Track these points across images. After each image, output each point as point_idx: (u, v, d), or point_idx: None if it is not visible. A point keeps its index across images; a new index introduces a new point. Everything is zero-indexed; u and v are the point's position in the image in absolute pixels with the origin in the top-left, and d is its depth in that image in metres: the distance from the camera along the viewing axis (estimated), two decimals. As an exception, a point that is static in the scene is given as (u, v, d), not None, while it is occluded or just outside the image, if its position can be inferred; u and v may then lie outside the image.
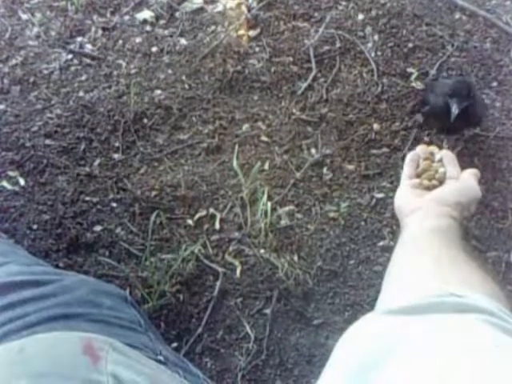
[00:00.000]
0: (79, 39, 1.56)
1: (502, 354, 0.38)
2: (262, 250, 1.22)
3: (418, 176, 0.75)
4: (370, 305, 1.17)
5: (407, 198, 0.70)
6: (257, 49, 1.54)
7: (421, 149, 0.77)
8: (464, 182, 0.71)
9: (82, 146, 1.37)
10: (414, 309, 0.45)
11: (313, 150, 1.38)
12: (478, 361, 0.37)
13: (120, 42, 1.56)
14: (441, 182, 0.73)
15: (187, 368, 0.83)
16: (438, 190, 0.71)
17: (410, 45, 1.55)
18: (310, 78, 1.49)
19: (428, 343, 0.40)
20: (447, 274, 0.55)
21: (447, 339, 0.40)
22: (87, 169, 1.33)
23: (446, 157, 0.76)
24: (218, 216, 1.27)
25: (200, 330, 1.13)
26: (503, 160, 1.36)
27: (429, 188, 0.72)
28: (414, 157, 0.76)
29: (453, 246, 0.60)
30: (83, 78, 1.49)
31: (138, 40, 1.56)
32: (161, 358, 0.76)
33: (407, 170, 0.75)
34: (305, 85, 1.48)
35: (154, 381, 0.64)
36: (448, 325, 0.43)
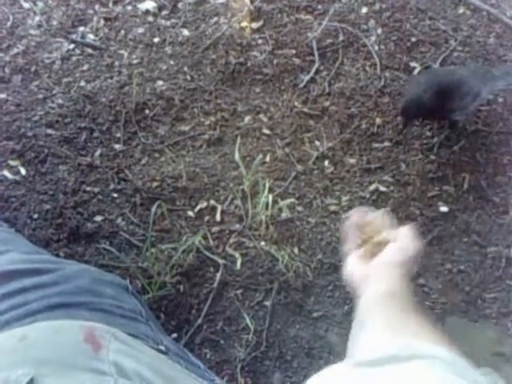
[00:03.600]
0: (81, 29, 1.55)
1: None
2: (263, 243, 1.22)
3: (361, 244, 0.74)
4: (370, 298, 1.17)
5: (357, 270, 0.71)
6: (259, 41, 1.54)
7: (357, 216, 0.76)
8: (405, 240, 0.72)
9: (84, 136, 1.36)
10: (376, 362, 0.50)
11: (314, 143, 1.38)
12: None
13: (122, 32, 1.55)
14: (384, 245, 0.73)
15: (188, 358, 0.83)
16: (382, 253, 0.71)
17: (414, 39, 1.54)
18: (313, 70, 1.48)
19: None
20: (400, 336, 0.58)
21: None
22: (88, 159, 1.33)
23: (382, 218, 0.76)
24: (219, 208, 1.27)
25: (200, 321, 1.13)
26: (505, 155, 1.36)
27: (374, 254, 0.72)
28: (352, 226, 0.75)
29: (405, 309, 0.63)
30: (85, 67, 1.48)
31: (140, 30, 1.56)
32: (162, 347, 0.76)
33: (350, 242, 0.75)
34: (307, 78, 1.47)
35: (155, 370, 0.64)
36: (404, 372, 0.47)
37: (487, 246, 1.24)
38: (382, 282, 0.66)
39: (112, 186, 1.29)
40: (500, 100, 1.45)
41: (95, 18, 1.57)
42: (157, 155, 1.35)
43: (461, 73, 1.33)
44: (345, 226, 0.75)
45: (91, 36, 1.54)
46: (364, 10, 1.60)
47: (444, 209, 1.29)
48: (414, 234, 0.73)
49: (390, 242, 0.72)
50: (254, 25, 1.57)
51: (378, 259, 0.70)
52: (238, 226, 1.25)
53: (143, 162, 1.34)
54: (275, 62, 1.50)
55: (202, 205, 1.28)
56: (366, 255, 0.72)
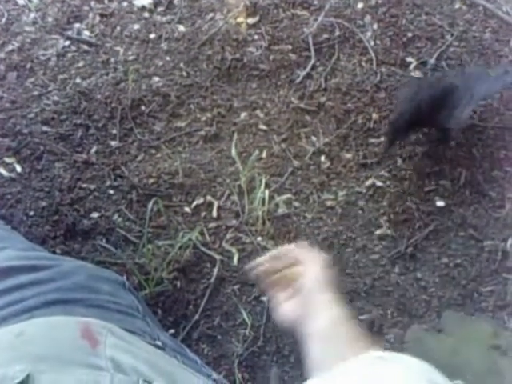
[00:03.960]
0: (77, 25, 1.55)
1: None
2: (260, 238, 1.23)
3: (281, 287, 0.74)
4: (367, 293, 1.17)
5: (290, 312, 0.72)
6: (255, 36, 1.54)
7: (264, 265, 0.76)
8: (309, 261, 0.73)
9: (79, 133, 1.36)
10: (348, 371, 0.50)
11: (311, 139, 1.38)
12: None
13: (118, 28, 1.55)
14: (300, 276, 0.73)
15: (185, 354, 0.83)
16: (301, 285, 0.71)
17: (410, 34, 1.54)
18: (309, 66, 1.48)
19: None
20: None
21: None
22: (84, 156, 1.33)
23: (286, 252, 0.76)
24: (216, 204, 1.27)
25: (197, 316, 1.14)
26: (501, 150, 1.37)
27: (297, 289, 0.73)
28: (265, 274, 0.75)
29: (352, 335, 0.64)
30: (80, 64, 1.48)
31: (136, 27, 1.55)
32: (159, 343, 0.76)
33: (270, 290, 0.75)
34: (303, 73, 1.47)
35: (152, 365, 0.64)
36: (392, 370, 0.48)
37: (483, 239, 1.24)
38: (317, 316, 0.67)
39: (108, 183, 1.29)
40: (496, 95, 1.46)
41: (91, 15, 1.57)
42: (153, 151, 1.35)
43: (449, 81, 1.31)
44: (257, 278, 0.75)
45: (87, 32, 1.54)
46: (360, 5, 1.60)
47: (440, 203, 1.29)
48: (311, 250, 0.74)
49: (301, 271, 0.72)
50: (250, 20, 1.56)
51: (301, 294, 0.70)
52: (234, 222, 1.25)
53: (139, 158, 1.34)
54: (271, 57, 1.50)
55: (199, 201, 1.28)
56: (290, 295, 0.72)
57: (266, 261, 0.76)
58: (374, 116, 1.40)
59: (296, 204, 1.28)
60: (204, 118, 1.40)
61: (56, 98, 1.41)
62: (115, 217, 1.25)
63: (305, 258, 0.74)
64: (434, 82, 1.33)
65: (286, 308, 0.72)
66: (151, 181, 1.30)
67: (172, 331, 1.12)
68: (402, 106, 1.29)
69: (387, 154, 1.33)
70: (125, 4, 1.60)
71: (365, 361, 0.52)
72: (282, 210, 1.26)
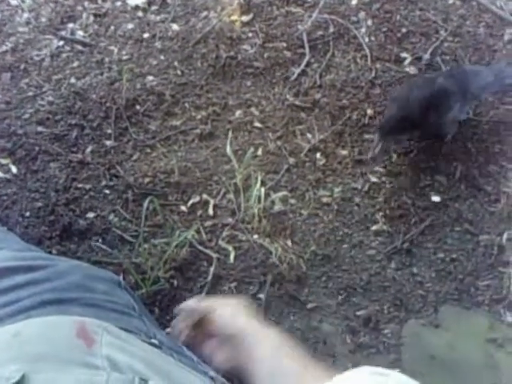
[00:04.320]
0: (70, 25, 1.54)
1: None
2: (256, 236, 1.23)
3: (207, 338, 0.73)
4: (363, 288, 1.18)
5: (226, 361, 0.71)
6: (250, 34, 1.54)
7: (184, 326, 0.76)
8: (218, 306, 0.74)
9: (74, 133, 1.36)
10: None
11: (306, 136, 1.38)
12: None
13: (112, 28, 1.54)
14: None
15: (182, 352, 0.83)
16: (223, 331, 0.71)
17: (404, 30, 1.54)
18: (304, 63, 1.48)
19: None
20: None
21: None
22: (79, 156, 1.33)
23: (192, 309, 0.76)
24: (212, 202, 1.27)
25: (194, 315, 1.13)
26: (496, 144, 1.37)
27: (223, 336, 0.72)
28: (192, 337, 0.75)
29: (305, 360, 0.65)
30: (75, 64, 1.47)
31: (130, 26, 1.55)
32: (155, 341, 0.76)
33: (200, 346, 0.74)
34: (298, 70, 1.47)
35: (148, 363, 0.64)
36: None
37: (479, 234, 1.25)
38: (256, 354, 0.66)
39: (104, 183, 1.29)
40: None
41: (84, 15, 1.57)
42: (148, 151, 1.35)
43: (442, 83, 1.29)
44: (186, 340, 0.76)
45: (81, 32, 1.53)
46: (354, 1, 1.60)
47: (436, 198, 1.29)
48: (216, 298, 0.74)
49: (218, 317, 0.71)
50: (244, 18, 1.56)
51: (228, 339, 0.70)
52: (230, 220, 1.25)
53: (135, 157, 1.34)
54: (266, 55, 1.50)
55: (195, 199, 1.28)
56: (218, 343, 0.72)
57: (181, 322, 0.75)
58: (369, 112, 1.41)
59: (292, 201, 1.28)
60: (199, 117, 1.40)
61: (51, 99, 1.41)
62: (111, 216, 1.25)
63: (214, 304, 0.74)
64: (426, 84, 1.31)
65: (219, 358, 0.71)
66: (147, 180, 1.29)
67: (169, 330, 1.12)
68: (392, 108, 1.29)
69: (380, 154, 1.30)
70: (118, 3, 1.60)
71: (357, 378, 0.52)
72: (278, 208, 1.26)
